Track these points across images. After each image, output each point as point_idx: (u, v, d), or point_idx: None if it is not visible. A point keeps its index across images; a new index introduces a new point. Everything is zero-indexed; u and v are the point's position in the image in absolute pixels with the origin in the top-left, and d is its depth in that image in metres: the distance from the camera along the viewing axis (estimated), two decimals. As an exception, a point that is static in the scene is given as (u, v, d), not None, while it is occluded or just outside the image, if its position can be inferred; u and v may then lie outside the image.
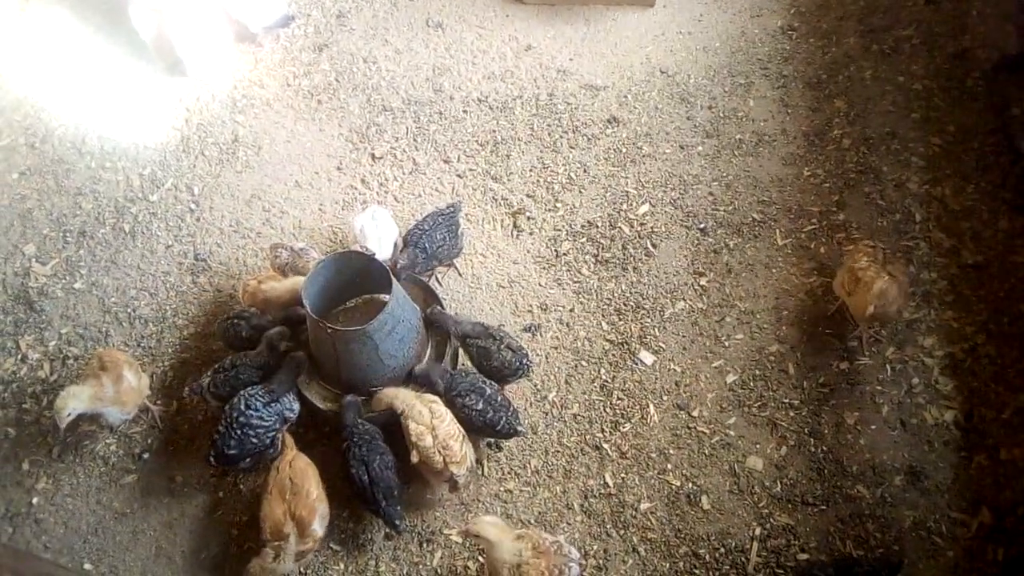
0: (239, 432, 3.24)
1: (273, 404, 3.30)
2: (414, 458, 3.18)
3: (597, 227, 4.21)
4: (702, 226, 4.18)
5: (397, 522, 3.18)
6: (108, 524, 3.43)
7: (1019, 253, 3.97)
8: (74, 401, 3.27)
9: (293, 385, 3.41)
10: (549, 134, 4.62)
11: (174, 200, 4.43)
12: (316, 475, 3.17)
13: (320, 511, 3.10)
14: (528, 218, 4.26)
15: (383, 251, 3.72)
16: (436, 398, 3.33)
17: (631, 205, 4.29)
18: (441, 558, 3.28)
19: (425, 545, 3.32)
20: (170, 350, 3.89)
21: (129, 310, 4.03)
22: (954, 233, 4.07)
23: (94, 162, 4.62)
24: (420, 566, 3.27)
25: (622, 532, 3.34)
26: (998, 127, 4.38)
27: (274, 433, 3.35)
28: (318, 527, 3.08)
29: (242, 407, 3.26)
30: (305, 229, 4.27)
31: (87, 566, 3.32)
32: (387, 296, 3.31)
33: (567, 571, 2.90)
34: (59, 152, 4.67)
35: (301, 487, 3.09)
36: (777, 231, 4.15)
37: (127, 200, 4.44)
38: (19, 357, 3.89)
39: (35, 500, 3.48)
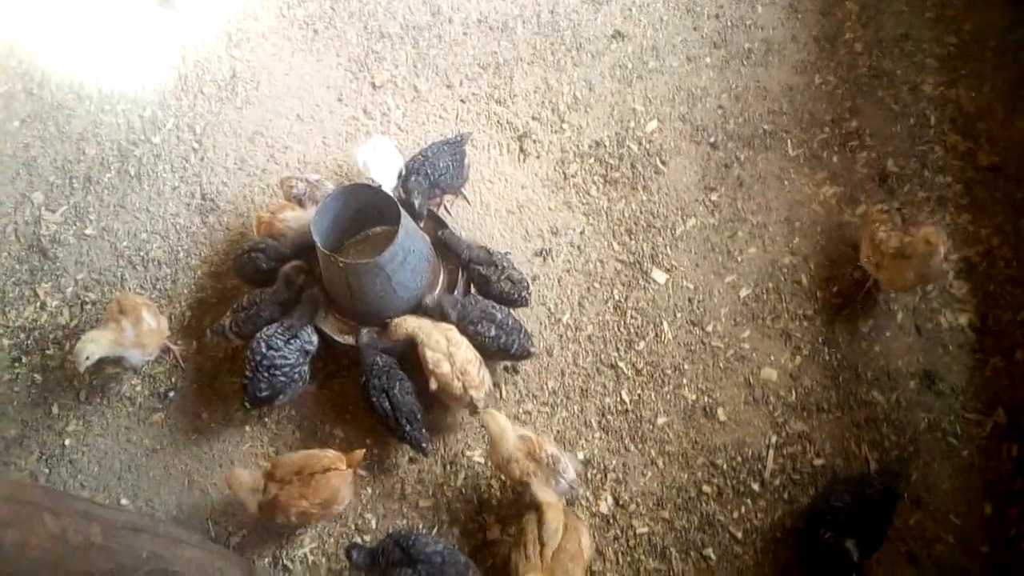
0: (267, 375, 3.29)
1: (293, 340, 3.34)
2: (433, 385, 3.23)
3: (605, 147, 4.15)
4: (712, 140, 4.11)
5: (424, 444, 3.25)
6: (140, 461, 3.53)
7: (1036, 152, 3.90)
8: (92, 346, 3.33)
9: (311, 321, 3.44)
10: (552, 53, 4.52)
11: (177, 140, 4.40)
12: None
13: None
14: (534, 141, 4.21)
15: (388, 181, 3.69)
16: (452, 326, 3.36)
17: (639, 122, 4.21)
18: (464, 479, 3.37)
19: (448, 467, 3.40)
20: (186, 291, 3.92)
21: (142, 253, 4.05)
22: (970, 135, 3.99)
23: (93, 106, 4.58)
24: (445, 487, 3.36)
25: (640, 446, 3.41)
26: (1018, 21, 4.23)
27: (300, 367, 3.40)
28: None
29: (264, 349, 3.30)
30: (310, 163, 4.24)
31: (124, 501, 3.44)
32: (397, 227, 3.30)
33: (552, 484, 3.01)
34: (58, 97, 4.62)
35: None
36: (788, 142, 4.08)
37: (130, 143, 4.41)
38: (38, 305, 3.94)
39: (67, 442, 3.57)
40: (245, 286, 3.74)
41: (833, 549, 2.85)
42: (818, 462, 3.30)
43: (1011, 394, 3.38)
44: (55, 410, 3.66)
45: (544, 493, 2.95)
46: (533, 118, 4.29)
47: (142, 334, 3.44)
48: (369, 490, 3.38)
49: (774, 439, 3.37)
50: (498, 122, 4.29)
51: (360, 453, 3.14)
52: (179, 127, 4.44)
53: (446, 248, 3.63)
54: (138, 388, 3.68)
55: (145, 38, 4.77)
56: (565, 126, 4.24)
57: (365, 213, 3.64)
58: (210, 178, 4.24)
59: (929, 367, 3.46)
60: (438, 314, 3.45)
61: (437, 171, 3.74)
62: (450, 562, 2.90)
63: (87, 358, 3.33)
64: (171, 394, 3.66)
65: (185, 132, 4.42)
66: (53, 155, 4.40)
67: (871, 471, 3.11)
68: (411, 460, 3.41)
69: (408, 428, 3.23)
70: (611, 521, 3.25)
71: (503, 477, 3.28)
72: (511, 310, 3.46)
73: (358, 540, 3.24)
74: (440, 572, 2.87)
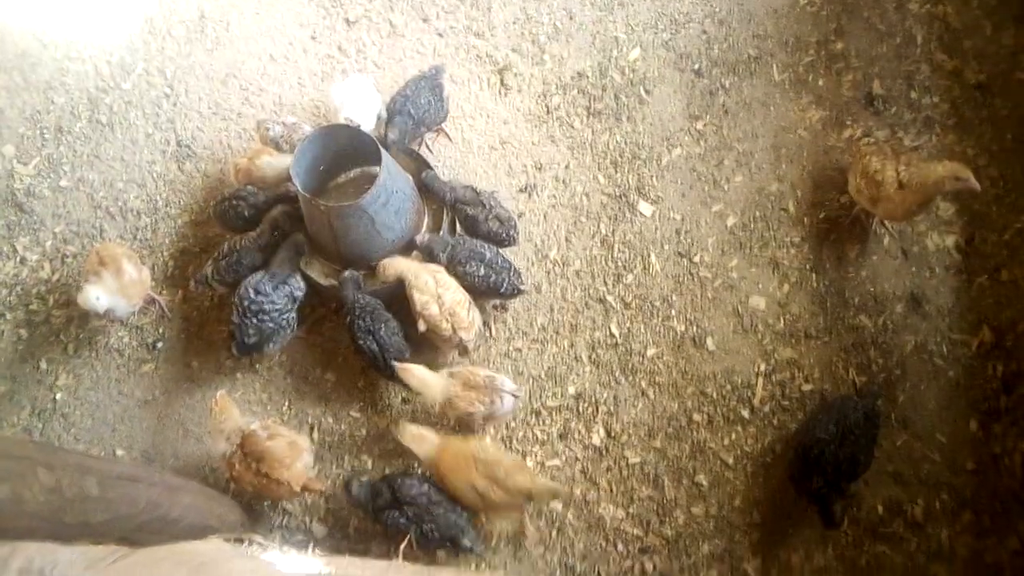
0: (254, 320, 3.26)
1: (281, 286, 3.31)
2: (422, 327, 3.23)
3: (587, 77, 4.07)
4: (696, 67, 4.03)
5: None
6: (133, 412, 3.53)
7: (1023, 69, 3.84)
8: (95, 289, 3.28)
9: (296, 267, 3.40)
10: (530, -19, 4.38)
11: (147, 86, 4.27)
12: None
13: None
14: (515, 74, 4.11)
15: (367, 121, 3.61)
16: (440, 268, 3.34)
17: (621, 51, 4.12)
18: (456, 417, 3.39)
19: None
20: (167, 240, 3.86)
21: (119, 203, 3.97)
22: (957, 53, 3.93)
23: (59, 53, 4.42)
24: (438, 426, 3.37)
25: (630, 378, 3.43)
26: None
27: (288, 314, 3.37)
28: None
29: (252, 295, 3.27)
30: (286, 105, 4.13)
31: (119, 453, 3.45)
32: (378, 168, 3.25)
33: (499, 401, 3.08)
34: (21, 46, 4.45)
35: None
36: (774, 66, 4.01)
37: (99, 90, 4.28)
38: (18, 259, 3.88)
39: (58, 396, 3.57)
40: (227, 234, 3.69)
41: (822, 500, 2.92)
42: (807, 388, 3.34)
43: (996, 313, 3.41)
44: (43, 365, 3.64)
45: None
46: (513, 50, 4.18)
47: (125, 284, 3.39)
48: (364, 431, 3.40)
49: (763, 366, 3.40)
50: (477, 56, 4.18)
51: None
52: (149, 72, 4.31)
53: (429, 190, 3.58)
54: (125, 340, 3.65)
55: (107, -21, 4.59)
56: (546, 57, 4.14)
57: (345, 154, 3.57)
58: (184, 124, 4.14)
59: (916, 290, 3.48)
60: (428, 254, 3.42)
61: (420, 108, 3.66)
62: (436, 502, 2.96)
63: (97, 297, 3.27)
64: (159, 345, 3.64)
65: (155, 77, 4.29)
66: (21, 106, 4.27)
67: (853, 394, 3.13)
68: (404, 400, 3.43)
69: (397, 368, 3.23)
70: (604, 452, 3.29)
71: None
72: (499, 249, 3.44)
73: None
74: (426, 511, 2.93)
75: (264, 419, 3.19)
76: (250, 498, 3.20)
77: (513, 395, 3.15)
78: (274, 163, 3.54)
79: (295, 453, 3.05)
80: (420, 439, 3.04)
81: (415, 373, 3.12)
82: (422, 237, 3.47)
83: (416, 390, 3.15)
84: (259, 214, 3.53)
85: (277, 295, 3.28)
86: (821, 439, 2.93)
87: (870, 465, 3.02)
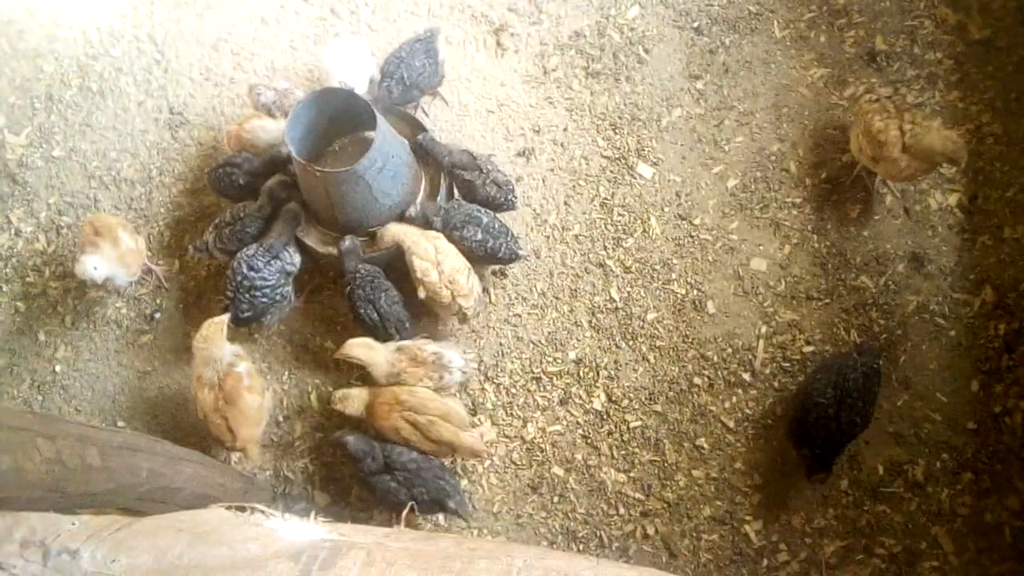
0: (247, 295, 3.25)
1: (274, 261, 3.28)
2: (421, 294, 3.21)
3: (585, 37, 3.99)
4: (696, 25, 3.95)
5: (414, 353, 3.26)
6: (133, 383, 3.53)
7: (1030, 22, 3.77)
8: (92, 258, 3.25)
9: (291, 238, 3.37)
10: (525, -62, 4.27)
11: (137, 52, 4.20)
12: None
13: None
14: (511, 34, 4.03)
15: (360, 84, 3.55)
16: (440, 234, 3.30)
17: (619, 9, 4.03)
18: (459, 384, 3.38)
19: (442, 373, 3.42)
20: (162, 210, 3.83)
21: (113, 173, 3.93)
22: (961, 7, 3.84)
23: (47, 19, 4.33)
24: (439, 392, 3.37)
25: (631, 343, 3.42)
26: None
27: (281, 288, 3.34)
28: None
29: (244, 270, 3.25)
30: (279, 70, 4.06)
31: (120, 424, 3.46)
32: (374, 133, 3.20)
33: (447, 376, 3.11)
34: (7, 13, 4.36)
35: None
36: (775, 23, 3.93)
37: (89, 57, 4.21)
38: (13, 231, 3.85)
39: (58, 368, 3.56)
40: (223, 202, 3.65)
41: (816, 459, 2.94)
42: (808, 349, 3.33)
43: (999, 272, 3.38)
44: (42, 337, 3.63)
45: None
46: (509, 9, 4.09)
47: (122, 253, 3.36)
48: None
49: (764, 329, 3.38)
50: (472, 16, 4.10)
51: None
52: (139, 38, 4.23)
53: (426, 154, 3.53)
54: (123, 311, 3.64)
55: (93, -58, 4.48)
56: (543, 16, 4.06)
57: (340, 119, 3.51)
58: (176, 91, 4.07)
59: (918, 249, 3.45)
60: (422, 223, 3.39)
61: (414, 72, 3.59)
62: (424, 467, 3.00)
63: (95, 267, 3.25)
64: (157, 315, 3.63)
65: (145, 43, 4.21)
66: (10, 74, 4.20)
67: (853, 352, 3.12)
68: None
69: (398, 337, 3.22)
70: (605, 417, 3.30)
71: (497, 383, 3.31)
72: (496, 213, 3.40)
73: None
74: (416, 476, 2.97)
75: (251, 369, 3.19)
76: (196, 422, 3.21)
77: (463, 372, 3.17)
78: (267, 127, 3.49)
79: (260, 417, 3.11)
80: (346, 399, 3.10)
81: (359, 348, 3.10)
82: (415, 207, 3.43)
83: (363, 364, 3.12)
84: (253, 181, 3.49)
85: (269, 271, 3.26)
86: (819, 403, 2.92)
87: (868, 424, 3.02)
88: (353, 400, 3.11)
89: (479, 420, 3.32)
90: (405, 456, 2.99)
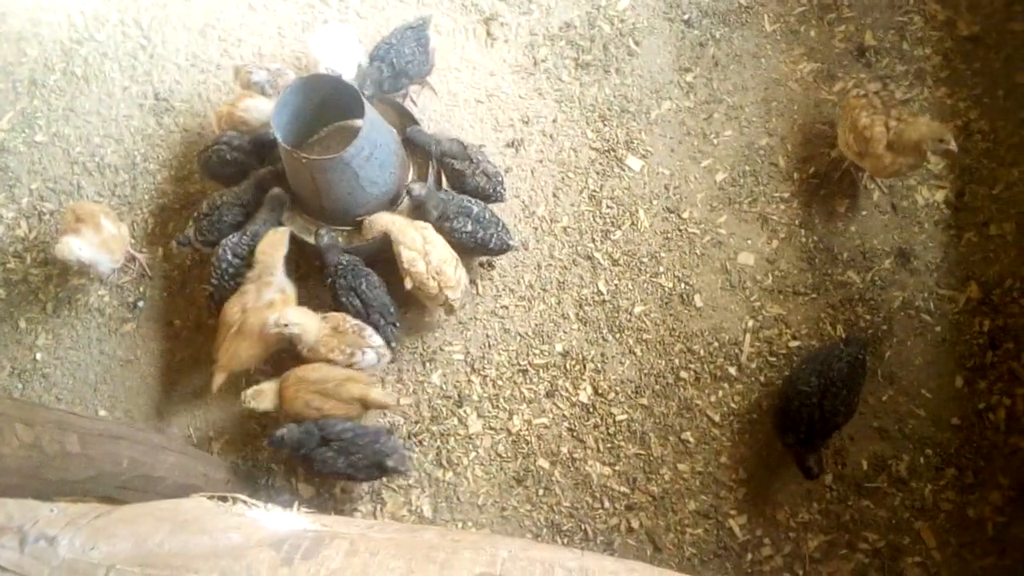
0: (232, 283, 3.23)
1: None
2: (408, 284, 3.19)
3: (575, 28, 3.97)
4: (686, 17, 3.94)
5: (392, 344, 3.23)
6: (115, 372, 3.49)
7: (1018, 20, 3.77)
8: (76, 239, 3.22)
9: (275, 225, 3.33)
10: (516, -72, 4.24)
11: (123, 37, 4.14)
12: None
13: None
14: (501, 24, 4.01)
15: (347, 71, 3.51)
16: (428, 225, 3.28)
17: (610, 0, 4.01)
18: (443, 375, 3.38)
19: (428, 364, 3.40)
20: (146, 197, 3.78)
21: (96, 159, 3.88)
22: (950, 4, 3.85)
23: (31, 3, 4.27)
24: (425, 384, 3.37)
25: (618, 336, 3.41)
26: None
27: None
28: None
29: (229, 257, 3.23)
30: (266, 56, 4.02)
31: (102, 412, 3.42)
32: (361, 121, 3.17)
33: (359, 354, 3.11)
34: (-11, -6, 4.31)
35: None
36: (765, 16, 3.92)
37: (73, 42, 4.15)
38: (-7, 217, 3.80)
39: (39, 356, 3.52)
40: (209, 189, 3.61)
41: (800, 453, 2.94)
42: (794, 344, 3.33)
43: (984, 268, 3.40)
44: (22, 324, 3.59)
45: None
46: (499, -1, 4.08)
47: (106, 240, 3.32)
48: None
49: (750, 323, 3.38)
50: (463, 5, 4.07)
51: None
52: (124, 22, 4.17)
53: (415, 143, 3.50)
54: (106, 299, 3.60)
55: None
56: (533, 6, 4.04)
57: (328, 106, 3.48)
58: (161, 76, 4.03)
59: (904, 245, 3.46)
60: (420, 208, 3.36)
61: (403, 58, 3.56)
62: (359, 433, 3.00)
63: (79, 248, 3.20)
64: (140, 303, 3.59)
65: (131, 27, 4.16)
66: (-8, 57, 4.14)
67: (839, 342, 3.12)
68: (391, 360, 3.40)
69: (382, 323, 3.20)
70: (591, 410, 3.29)
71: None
72: (486, 205, 3.38)
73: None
74: (352, 443, 2.97)
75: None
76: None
77: (378, 352, 3.16)
78: (260, 106, 3.46)
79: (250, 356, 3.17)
80: (258, 395, 3.08)
81: (294, 312, 3.08)
82: (420, 188, 3.38)
83: (298, 331, 3.06)
84: (241, 159, 3.45)
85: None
86: (802, 391, 2.92)
87: (853, 415, 3.03)
88: (266, 394, 3.08)
89: (465, 412, 3.30)
90: (339, 427, 2.99)
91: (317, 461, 2.97)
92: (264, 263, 3.17)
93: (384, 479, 3.18)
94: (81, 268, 3.35)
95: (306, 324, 3.06)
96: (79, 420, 2.41)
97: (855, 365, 2.98)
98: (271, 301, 3.14)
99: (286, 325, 3.00)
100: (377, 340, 3.17)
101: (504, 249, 3.34)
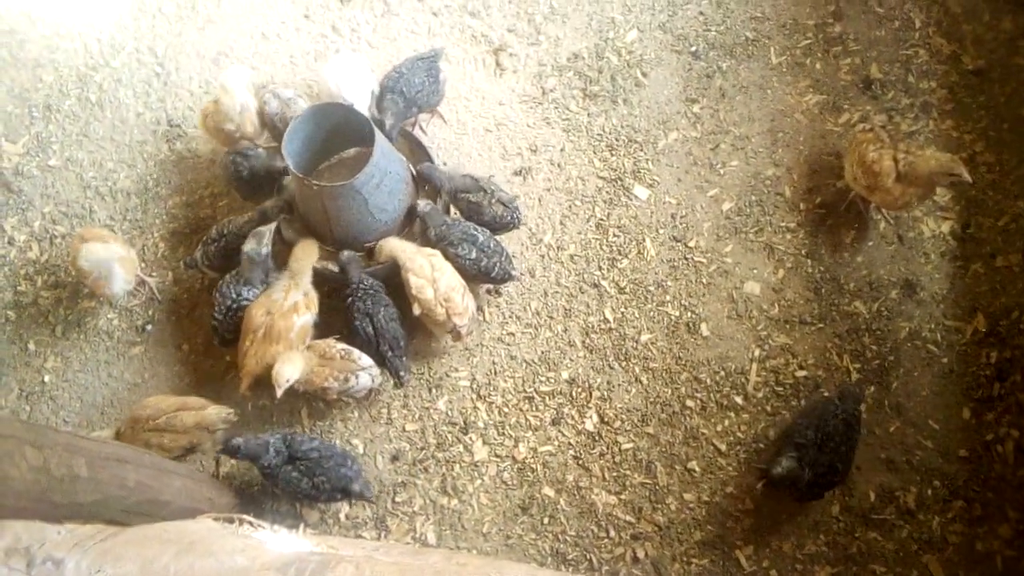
0: (234, 317, 3.26)
1: (262, 287, 3.29)
2: (416, 311, 3.20)
3: (583, 59, 4.02)
4: (693, 49, 3.99)
5: (402, 374, 3.24)
6: (122, 395, 3.50)
7: (1022, 55, 3.82)
8: (95, 245, 3.27)
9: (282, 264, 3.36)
10: (526, -40, 4.32)
11: (138, 64, 4.21)
12: None
13: None
14: (510, 55, 4.06)
15: (360, 100, 3.56)
16: (436, 252, 3.30)
17: (618, 32, 4.07)
18: (448, 401, 3.38)
19: (434, 391, 3.41)
20: (157, 222, 3.82)
21: (109, 184, 3.92)
22: (955, 38, 3.90)
23: (48, 30, 4.35)
24: (431, 410, 3.37)
25: (624, 364, 3.42)
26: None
27: None
28: None
29: (233, 294, 3.26)
30: (278, 85, 4.06)
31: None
32: (371, 148, 3.20)
33: (353, 379, 3.11)
34: (9, 22, 4.38)
35: None
36: (771, 49, 3.97)
37: (89, 68, 4.22)
38: (6, 240, 3.83)
39: (47, 378, 3.53)
40: (218, 214, 3.65)
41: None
42: (800, 374, 3.33)
43: (991, 300, 3.40)
44: (32, 347, 3.60)
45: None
46: (508, 30, 4.13)
47: (121, 259, 3.36)
48: (355, 414, 3.38)
49: (757, 353, 3.38)
50: (472, 35, 4.13)
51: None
52: (139, 50, 4.25)
53: (428, 181, 3.52)
54: (115, 322, 3.62)
55: (96, -45, 4.51)
56: (542, 38, 4.10)
57: (338, 134, 3.52)
58: (175, 103, 4.09)
59: (910, 276, 3.46)
60: (422, 224, 3.40)
61: (413, 88, 3.61)
62: (326, 455, 3.00)
63: (101, 250, 3.28)
64: (149, 327, 3.61)
65: (146, 55, 4.23)
66: (9, 83, 4.20)
67: (835, 398, 3.10)
68: (396, 385, 3.40)
69: (390, 355, 3.21)
70: (597, 438, 3.28)
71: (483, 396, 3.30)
72: (493, 233, 3.40)
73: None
74: (318, 465, 2.96)
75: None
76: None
77: (370, 373, 3.16)
78: (236, 102, 3.53)
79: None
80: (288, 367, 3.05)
81: (288, 367, 3.01)
82: (424, 205, 3.42)
83: (294, 382, 3.05)
84: (254, 179, 3.52)
85: (254, 295, 3.26)
86: (800, 443, 2.91)
87: (844, 480, 3.01)
88: (295, 362, 3.05)
89: (470, 439, 3.30)
90: (307, 445, 2.98)
91: (282, 480, 2.97)
92: (294, 268, 3.24)
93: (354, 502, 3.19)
94: (99, 276, 3.35)
95: (298, 370, 3.04)
96: (87, 443, 2.41)
97: (849, 421, 2.97)
98: (295, 303, 3.19)
99: (287, 381, 3.00)
100: (367, 360, 3.18)
101: (507, 278, 3.36)
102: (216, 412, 3.10)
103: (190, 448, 3.07)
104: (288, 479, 2.97)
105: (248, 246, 3.28)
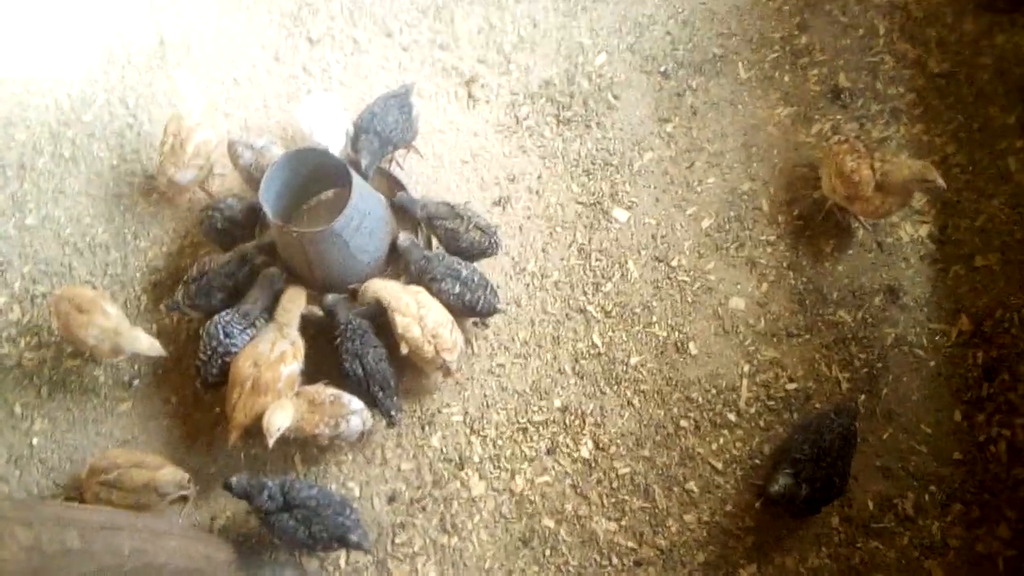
0: (220, 360, 3.23)
1: (249, 329, 3.27)
2: (404, 350, 3.19)
3: (555, 85, 4.04)
4: (662, 69, 4.02)
5: (393, 413, 3.23)
6: (113, 453, 3.46)
7: (986, 55, 3.87)
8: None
9: (268, 305, 3.34)
10: (491, -11, 4.34)
11: (110, 117, 4.19)
12: None
13: None
14: (482, 85, 4.08)
15: (336, 141, 3.57)
16: (421, 288, 3.30)
17: (587, 57, 4.10)
18: (442, 438, 3.37)
19: (427, 428, 3.39)
20: (138, 275, 3.80)
21: (87, 239, 3.90)
22: (920, 42, 3.95)
23: (17, 87, 4.33)
24: (425, 448, 3.36)
25: (615, 388, 3.42)
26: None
27: None
28: None
29: (220, 336, 3.23)
30: (252, 128, 4.07)
31: (101, 495, 3.38)
32: (350, 188, 3.20)
33: (344, 424, 3.09)
34: (-24, 82, 4.37)
35: None
36: (739, 64, 4.01)
37: (61, 124, 4.20)
38: (-14, 303, 3.80)
39: (35, 441, 3.49)
40: (201, 261, 3.63)
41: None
42: (791, 387, 3.34)
43: (973, 300, 3.43)
44: (18, 410, 3.56)
45: None
46: (479, 61, 4.15)
47: (115, 320, 3.33)
48: (349, 457, 3.36)
49: (746, 368, 3.39)
50: (443, 68, 4.15)
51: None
52: (110, 102, 4.23)
53: (404, 211, 3.53)
54: (101, 379, 3.59)
55: (62, 11, 4.50)
56: (512, 67, 4.12)
57: (316, 176, 3.52)
58: (149, 153, 4.06)
59: (892, 281, 3.49)
60: (404, 258, 3.40)
61: (387, 127, 3.61)
62: (324, 503, 2.97)
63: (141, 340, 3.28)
64: (135, 382, 3.58)
65: (117, 107, 4.21)
66: (-20, 144, 4.19)
67: (831, 411, 3.11)
68: (388, 424, 3.39)
69: (380, 395, 3.19)
70: (593, 465, 3.28)
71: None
72: (475, 266, 3.40)
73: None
74: (315, 513, 2.93)
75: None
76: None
77: (360, 415, 3.15)
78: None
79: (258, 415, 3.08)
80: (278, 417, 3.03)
81: (278, 416, 2.99)
82: (404, 239, 3.43)
83: (285, 430, 3.03)
84: (233, 228, 3.52)
85: (242, 339, 3.24)
86: (796, 459, 2.91)
87: (844, 491, 3.01)
88: (286, 409, 3.04)
89: (467, 474, 3.29)
90: (305, 492, 2.96)
91: (279, 528, 2.94)
92: (282, 320, 3.23)
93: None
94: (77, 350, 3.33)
95: (289, 418, 3.01)
96: (78, 513, 2.39)
97: (846, 436, 2.98)
98: (283, 352, 3.17)
99: (278, 430, 2.97)
100: (357, 404, 3.16)
101: (492, 311, 3.36)
102: (170, 475, 3.03)
103: (138, 508, 2.98)
104: (285, 527, 2.94)
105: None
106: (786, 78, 3.95)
